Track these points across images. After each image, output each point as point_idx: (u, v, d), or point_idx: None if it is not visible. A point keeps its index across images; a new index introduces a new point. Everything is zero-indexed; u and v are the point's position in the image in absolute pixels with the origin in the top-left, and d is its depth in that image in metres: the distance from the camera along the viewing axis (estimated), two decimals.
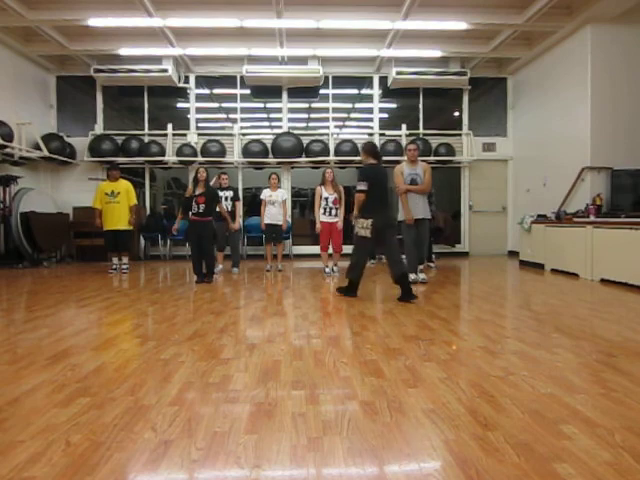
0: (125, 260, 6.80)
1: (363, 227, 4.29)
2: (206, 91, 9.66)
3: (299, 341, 2.91)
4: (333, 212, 6.26)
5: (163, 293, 4.93)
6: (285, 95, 9.47)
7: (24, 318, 3.66)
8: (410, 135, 9.36)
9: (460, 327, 3.36)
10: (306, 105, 9.90)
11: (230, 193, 6.62)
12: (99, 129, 9.18)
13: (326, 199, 6.22)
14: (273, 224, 6.69)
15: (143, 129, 9.34)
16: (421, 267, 5.54)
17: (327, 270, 6.47)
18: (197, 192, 5.61)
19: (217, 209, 6.07)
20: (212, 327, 3.29)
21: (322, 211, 6.24)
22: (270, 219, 6.67)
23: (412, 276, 5.43)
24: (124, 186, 6.67)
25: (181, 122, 9.42)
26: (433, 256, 7.31)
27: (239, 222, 6.79)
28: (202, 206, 5.59)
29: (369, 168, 4.46)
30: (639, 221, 5.18)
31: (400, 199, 5.32)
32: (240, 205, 6.86)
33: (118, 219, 6.60)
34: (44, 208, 8.02)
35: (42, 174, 8.86)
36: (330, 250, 6.42)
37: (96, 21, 6.99)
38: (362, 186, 4.31)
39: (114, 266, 6.77)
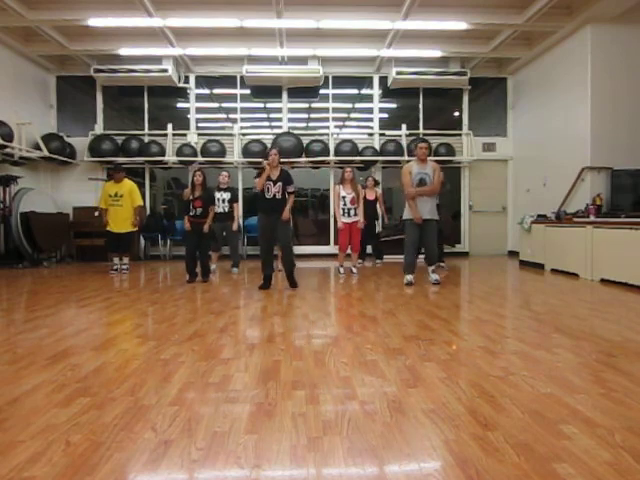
0: (125, 261, 6.79)
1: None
2: (206, 91, 9.66)
3: (299, 341, 2.91)
4: (352, 212, 6.24)
5: (163, 293, 4.93)
6: (285, 95, 9.47)
7: (24, 318, 3.66)
8: (410, 135, 9.36)
9: (460, 327, 3.36)
10: (306, 105, 9.90)
11: (228, 195, 6.58)
12: (99, 129, 9.18)
13: (344, 198, 6.22)
14: None
15: (143, 129, 9.34)
16: (432, 267, 5.44)
17: (342, 270, 6.44)
18: (194, 196, 5.65)
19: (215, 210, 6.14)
20: (212, 327, 3.29)
21: (341, 212, 6.24)
22: None
23: (409, 277, 5.40)
24: (127, 188, 6.62)
25: (181, 122, 9.42)
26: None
27: (238, 222, 6.79)
28: (199, 210, 5.66)
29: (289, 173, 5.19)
30: (639, 221, 5.18)
31: (407, 200, 5.28)
32: (237, 206, 6.82)
33: (122, 222, 6.57)
34: (44, 208, 8.02)
35: (42, 174, 8.86)
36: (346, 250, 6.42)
37: (96, 21, 6.99)
38: (295, 188, 5.16)
39: (115, 266, 6.75)
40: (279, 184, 4.99)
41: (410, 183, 5.24)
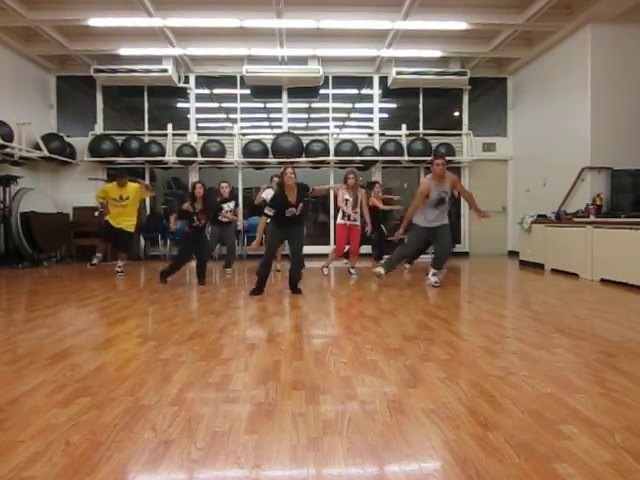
0: (121, 263, 6.51)
1: None
2: (206, 91, 9.66)
3: (299, 341, 2.91)
4: (352, 217, 6.05)
5: (163, 293, 4.93)
6: (285, 95, 9.47)
7: (24, 318, 3.66)
8: (410, 135, 9.35)
9: (460, 327, 3.36)
10: (306, 105, 9.90)
11: (232, 205, 6.58)
12: (99, 129, 9.18)
13: (347, 201, 6.02)
14: None
15: (143, 129, 9.34)
16: (435, 271, 5.33)
17: (325, 271, 6.39)
18: (197, 209, 5.42)
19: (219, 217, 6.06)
20: (212, 327, 3.29)
21: (341, 215, 6.11)
22: None
23: (381, 270, 5.29)
24: (133, 190, 6.45)
25: (181, 122, 9.42)
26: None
27: (241, 221, 6.72)
28: (203, 222, 5.51)
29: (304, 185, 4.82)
30: (639, 221, 5.18)
31: (413, 211, 5.11)
32: (239, 210, 6.79)
33: (124, 219, 6.42)
34: (44, 208, 8.01)
35: (42, 174, 8.86)
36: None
37: (96, 21, 7.00)
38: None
39: (95, 260, 6.47)
40: (300, 205, 4.61)
41: (421, 204, 4.99)
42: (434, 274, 5.32)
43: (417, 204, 5.02)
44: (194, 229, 5.47)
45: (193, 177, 9.27)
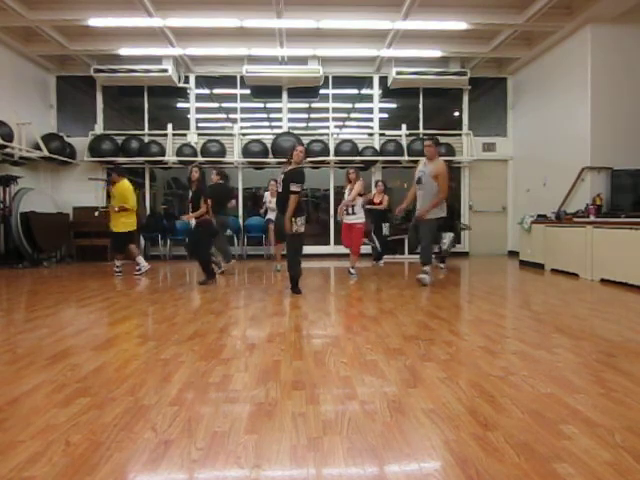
0: (119, 263, 6.46)
1: (300, 224, 4.66)
2: (206, 91, 9.66)
3: (299, 341, 2.91)
4: (350, 210, 6.05)
5: (163, 293, 4.93)
6: (285, 95, 9.47)
7: (24, 318, 3.66)
8: (410, 135, 9.35)
9: (460, 327, 3.36)
10: (306, 105, 9.90)
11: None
12: (99, 129, 9.18)
13: (344, 193, 6.30)
14: None
15: (143, 129, 9.34)
16: (425, 268, 5.28)
17: (352, 271, 6.19)
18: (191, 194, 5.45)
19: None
20: (212, 327, 3.29)
21: (346, 212, 6.12)
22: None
23: (426, 278, 5.29)
24: (119, 190, 6.29)
25: (181, 122, 9.42)
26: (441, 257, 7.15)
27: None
28: (190, 206, 5.45)
29: (302, 172, 4.70)
30: (639, 221, 5.18)
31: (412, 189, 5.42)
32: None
33: (114, 222, 6.33)
34: (44, 208, 8.01)
35: (42, 174, 8.86)
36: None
37: (96, 21, 7.00)
38: (298, 187, 4.59)
39: (139, 268, 6.47)
40: (281, 177, 4.71)
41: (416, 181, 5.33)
42: (424, 271, 5.24)
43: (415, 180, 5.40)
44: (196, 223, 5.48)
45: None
